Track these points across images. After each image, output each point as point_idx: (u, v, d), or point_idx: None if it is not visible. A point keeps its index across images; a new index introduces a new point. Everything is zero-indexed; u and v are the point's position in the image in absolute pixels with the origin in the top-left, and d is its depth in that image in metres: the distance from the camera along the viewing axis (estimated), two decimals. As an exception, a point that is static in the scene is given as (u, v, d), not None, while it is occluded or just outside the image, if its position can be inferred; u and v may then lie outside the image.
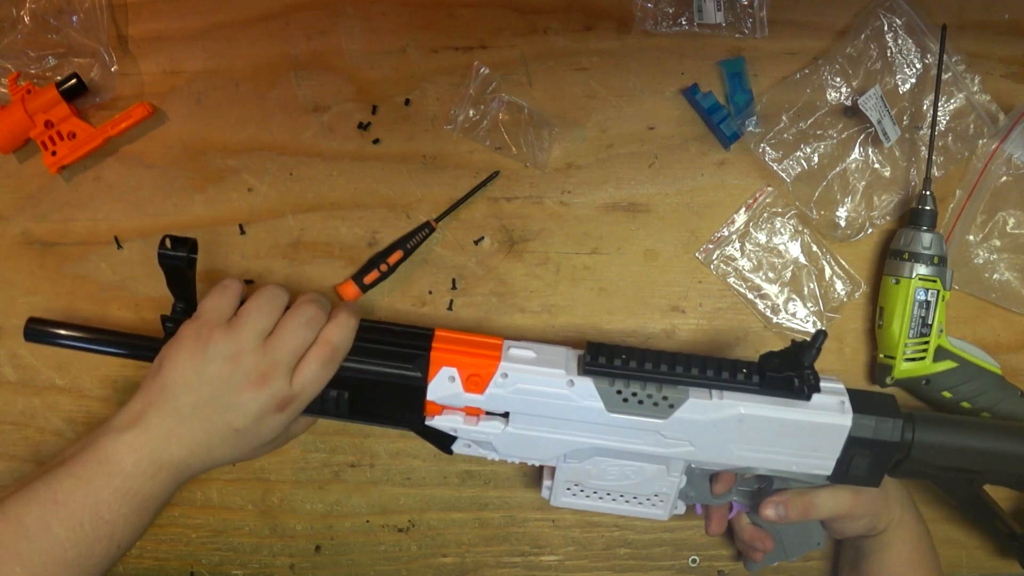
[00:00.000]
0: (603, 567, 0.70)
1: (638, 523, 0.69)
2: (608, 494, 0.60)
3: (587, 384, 0.55)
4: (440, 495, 0.69)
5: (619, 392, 0.54)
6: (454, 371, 0.55)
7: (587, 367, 0.54)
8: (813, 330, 0.67)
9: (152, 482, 0.52)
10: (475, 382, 0.55)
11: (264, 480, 0.69)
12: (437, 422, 0.56)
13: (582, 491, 0.60)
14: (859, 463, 0.56)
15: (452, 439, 0.58)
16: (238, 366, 0.52)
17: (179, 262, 0.53)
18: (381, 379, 0.56)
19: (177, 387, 0.52)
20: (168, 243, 0.53)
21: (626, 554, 0.70)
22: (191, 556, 0.69)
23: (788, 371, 0.54)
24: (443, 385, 0.55)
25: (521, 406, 0.55)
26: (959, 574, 0.69)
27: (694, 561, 0.70)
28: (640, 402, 0.55)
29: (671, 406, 0.55)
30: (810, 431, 0.55)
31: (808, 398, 0.54)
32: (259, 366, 0.52)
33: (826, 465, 0.56)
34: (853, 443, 0.55)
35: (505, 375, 0.55)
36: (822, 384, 0.55)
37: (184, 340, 0.53)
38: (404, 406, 0.56)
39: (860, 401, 0.56)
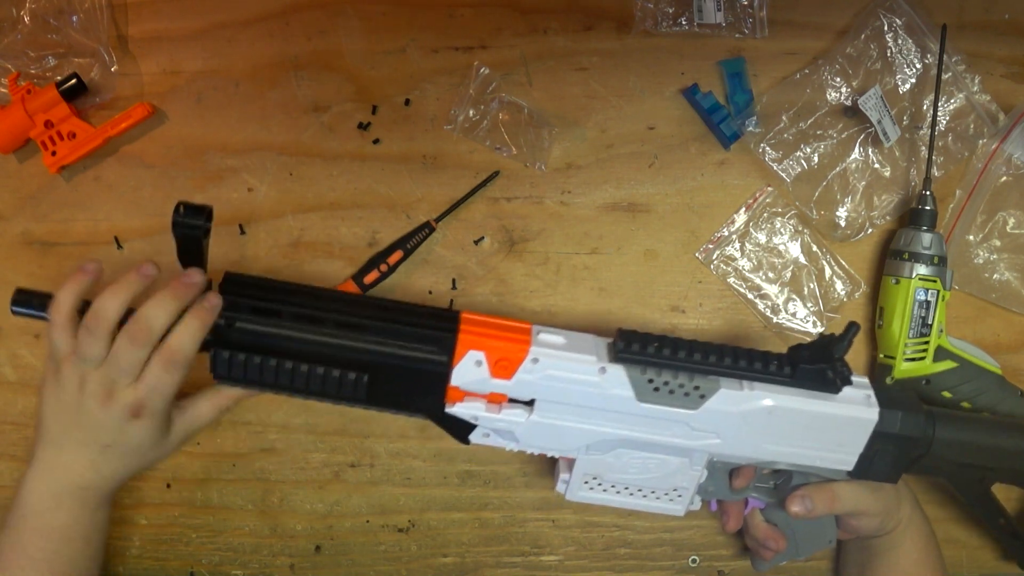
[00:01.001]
0: (603, 567, 0.70)
1: (638, 523, 0.69)
2: (626, 488, 0.58)
3: (619, 372, 0.53)
4: (440, 495, 0.69)
5: (650, 381, 0.53)
6: (481, 355, 0.52)
7: (620, 354, 0.52)
8: (813, 330, 0.67)
9: (58, 514, 0.55)
10: (503, 367, 0.52)
11: (264, 480, 0.69)
12: (458, 409, 0.54)
13: (600, 485, 0.58)
14: (882, 458, 0.56)
15: (470, 428, 0.55)
16: (85, 388, 0.53)
17: (195, 231, 0.51)
18: (403, 363, 0.53)
19: (48, 419, 0.55)
20: (183, 210, 0.51)
21: (626, 554, 0.70)
22: (191, 556, 0.69)
23: (820, 363, 0.53)
24: (469, 370, 0.52)
25: (549, 393, 0.53)
26: (959, 574, 0.69)
27: (694, 561, 0.70)
28: (671, 392, 0.53)
29: (702, 396, 0.53)
30: (837, 424, 0.55)
31: (839, 390, 0.54)
32: (103, 383, 0.53)
33: (849, 460, 0.56)
34: (878, 438, 0.55)
35: (536, 360, 0.52)
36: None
37: (46, 377, 0.56)
38: (426, 391, 0.54)
39: (884, 396, 0.55)
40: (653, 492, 0.58)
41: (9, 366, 0.68)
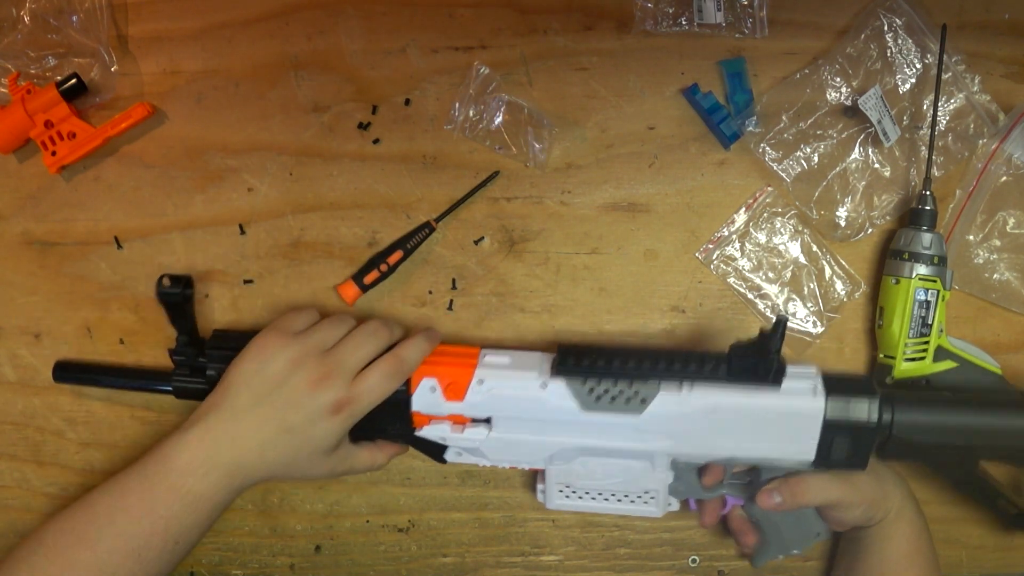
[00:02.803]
0: (603, 567, 0.70)
1: (638, 523, 0.69)
2: (600, 494, 0.61)
3: (559, 385, 0.56)
4: (440, 495, 0.69)
5: (591, 391, 0.56)
6: (434, 381, 0.58)
7: (557, 368, 0.56)
8: (814, 330, 0.67)
9: (204, 481, 0.54)
10: (454, 390, 0.57)
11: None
12: (426, 432, 0.59)
13: (574, 492, 0.61)
14: (840, 447, 0.56)
15: (444, 448, 0.60)
16: (299, 367, 0.55)
17: (177, 299, 0.57)
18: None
19: (238, 385, 0.55)
20: (166, 282, 0.57)
21: (626, 554, 0.70)
22: (191, 556, 0.69)
23: (755, 359, 0.55)
24: (425, 395, 0.57)
25: (501, 410, 0.58)
26: (959, 574, 0.69)
27: (694, 561, 0.70)
28: (613, 399, 0.56)
29: (643, 401, 0.56)
30: (784, 417, 0.55)
31: (777, 384, 0.55)
32: (320, 367, 0.55)
33: (807, 450, 0.56)
34: (830, 427, 0.55)
35: (481, 381, 0.57)
36: (794, 370, 0.56)
37: (252, 345, 0.57)
38: (394, 419, 0.59)
39: (835, 384, 0.56)
40: (626, 496, 0.60)
41: (9, 366, 0.68)
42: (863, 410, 0.55)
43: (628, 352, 0.56)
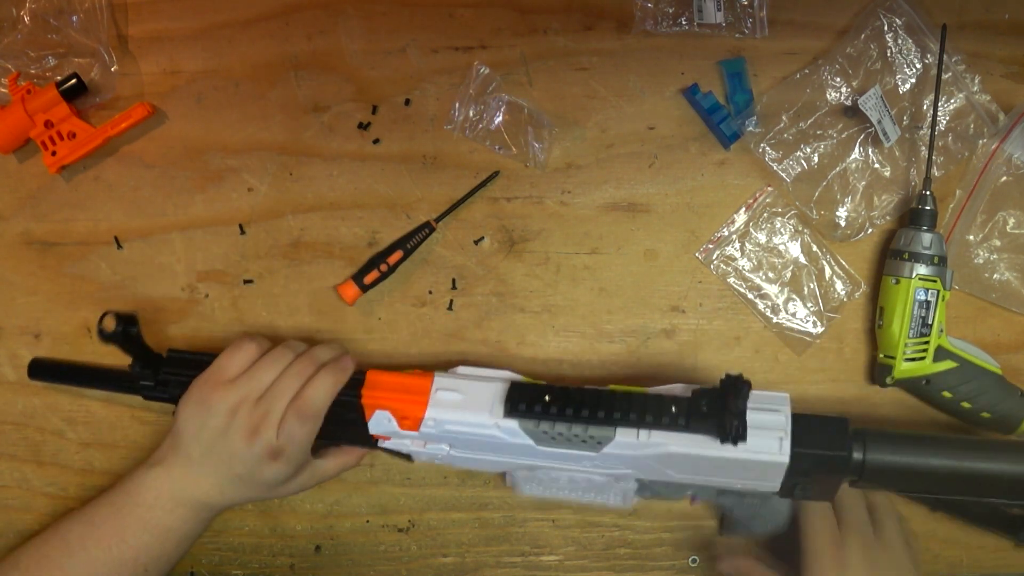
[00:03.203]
0: (603, 567, 0.70)
1: (638, 523, 0.69)
2: (569, 488, 0.60)
3: (512, 425, 0.56)
4: (440, 495, 0.69)
5: (545, 432, 0.55)
6: (387, 414, 0.58)
7: (508, 411, 0.56)
8: (813, 330, 0.67)
9: (171, 516, 0.57)
10: (408, 423, 0.57)
11: (264, 480, 0.69)
12: (390, 444, 0.60)
13: (541, 486, 0.61)
14: (805, 487, 0.56)
15: (409, 454, 0.61)
16: (234, 419, 0.56)
17: (118, 339, 0.57)
18: (331, 419, 0.58)
19: (187, 437, 0.57)
20: (108, 324, 0.56)
21: (626, 554, 0.70)
22: (191, 556, 0.69)
23: (715, 416, 0.53)
24: (381, 423, 0.58)
25: (455, 441, 0.58)
26: (959, 574, 0.69)
27: (694, 561, 0.70)
28: (568, 440, 0.55)
29: (599, 443, 0.55)
30: (744, 466, 0.54)
31: (734, 444, 0.53)
32: (251, 419, 0.56)
33: (772, 485, 0.55)
34: (795, 472, 0.54)
35: (433, 420, 0.57)
36: (760, 417, 0.54)
37: (191, 394, 0.58)
38: (358, 436, 0.60)
39: (800, 434, 0.54)
40: (593, 493, 0.60)
41: (9, 366, 0.68)
42: (832, 462, 0.54)
43: (582, 395, 0.55)
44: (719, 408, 0.53)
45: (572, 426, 0.55)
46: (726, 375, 0.54)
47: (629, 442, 0.55)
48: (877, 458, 0.55)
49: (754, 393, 0.55)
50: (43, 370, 0.66)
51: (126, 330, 0.57)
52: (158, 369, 0.61)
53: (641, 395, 0.55)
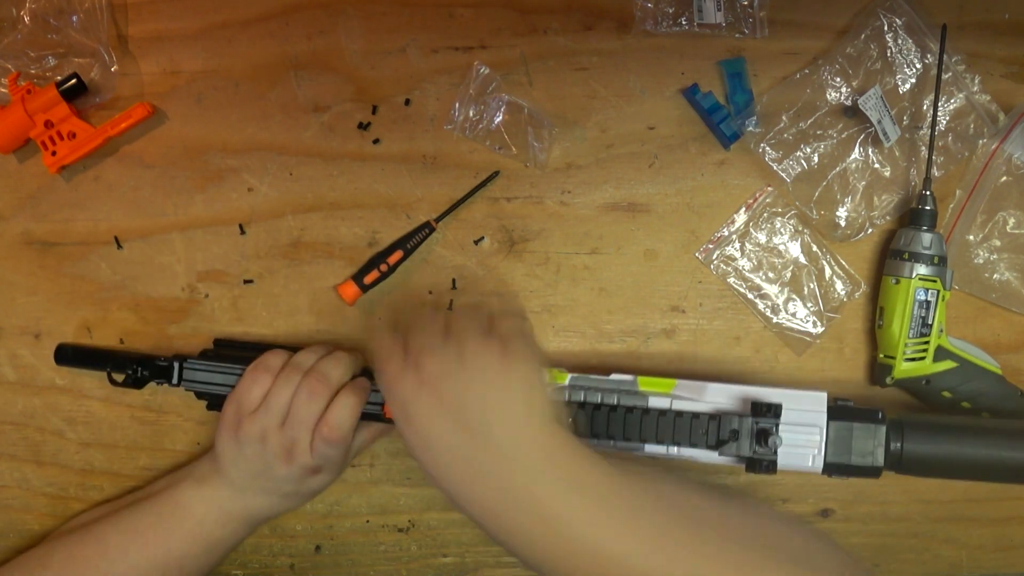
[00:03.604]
0: (603, 567, 0.70)
1: (638, 523, 0.69)
2: None
3: None
4: (440, 495, 0.68)
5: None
6: None
7: None
8: (813, 330, 0.67)
9: (223, 529, 0.60)
10: None
11: (264, 480, 0.69)
12: None
13: None
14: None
15: None
16: (267, 446, 0.57)
17: (127, 385, 0.63)
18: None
19: (227, 463, 0.59)
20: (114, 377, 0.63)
21: (626, 554, 0.70)
22: (191, 556, 0.70)
23: (745, 439, 0.55)
24: None
25: None
26: (959, 574, 0.69)
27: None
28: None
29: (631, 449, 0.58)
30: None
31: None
32: (283, 444, 0.57)
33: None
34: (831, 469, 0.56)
35: None
36: (797, 435, 0.55)
37: (224, 424, 0.59)
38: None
39: (839, 436, 0.55)
40: None
41: (9, 366, 0.68)
42: (866, 462, 0.55)
43: (611, 415, 0.57)
44: (750, 431, 0.55)
45: (599, 442, 0.57)
46: (753, 404, 0.55)
47: (658, 450, 0.57)
48: (914, 449, 0.56)
49: (790, 393, 0.56)
50: (69, 356, 0.66)
51: (137, 378, 0.63)
52: (178, 372, 0.63)
53: (672, 414, 0.56)
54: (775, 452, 0.54)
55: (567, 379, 0.58)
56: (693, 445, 0.56)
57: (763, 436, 0.54)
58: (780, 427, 0.54)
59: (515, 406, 0.46)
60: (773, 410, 0.54)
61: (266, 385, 0.58)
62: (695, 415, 0.56)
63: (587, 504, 0.44)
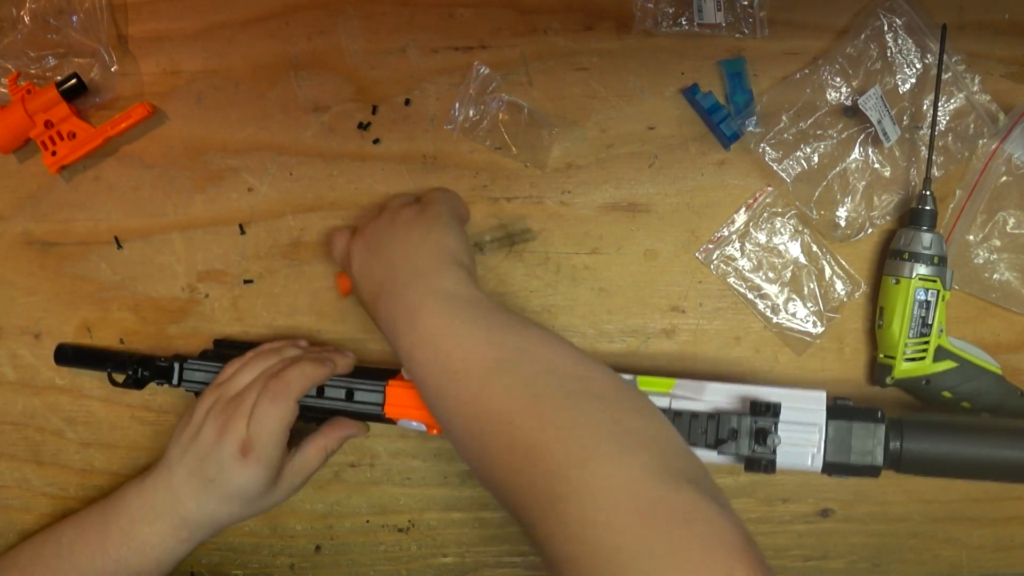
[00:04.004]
0: (603, 567, 0.70)
1: (638, 523, 0.69)
2: None
3: None
4: (440, 495, 0.69)
5: None
6: (423, 426, 0.59)
7: None
8: (813, 330, 0.66)
9: (150, 529, 0.57)
10: (439, 428, 0.57)
11: (264, 480, 0.69)
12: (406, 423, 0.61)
13: None
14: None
15: None
16: (209, 418, 0.56)
17: (127, 386, 0.64)
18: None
19: (173, 440, 0.58)
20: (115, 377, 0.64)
21: (626, 554, 0.70)
22: (191, 556, 0.69)
23: (744, 438, 0.55)
24: (410, 424, 0.60)
25: None
26: (959, 574, 0.69)
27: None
28: None
29: None
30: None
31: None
32: (223, 413, 0.55)
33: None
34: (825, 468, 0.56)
35: None
36: (796, 434, 0.55)
37: (197, 402, 0.58)
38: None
39: (839, 435, 0.55)
40: None
41: (9, 366, 0.68)
42: (865, 462, 0.55)
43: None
44: (748, 430, 0.55)
45: None
46: (752, 403, 0.55)
47: None
48: (913, 448, 0.55)
49: (789, 392, 0.56)
50: (69, 356, 0.66)
51: (138, 378, 0.63)
52: (178, 372, 0.63)
53: (671, 416, 0.56)
54: (774, 451, 0.54)
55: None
56: (692, 444, 0.56)
57: (762, 435, 0.54)
58: (779, 426, 0.54)
59: (417, 246, 0.54)
60: (772, 409, 0.54)
61: (254, 372, 0.58)
62: (694, 414, 0.56)
63: (441, 307, 0.50)
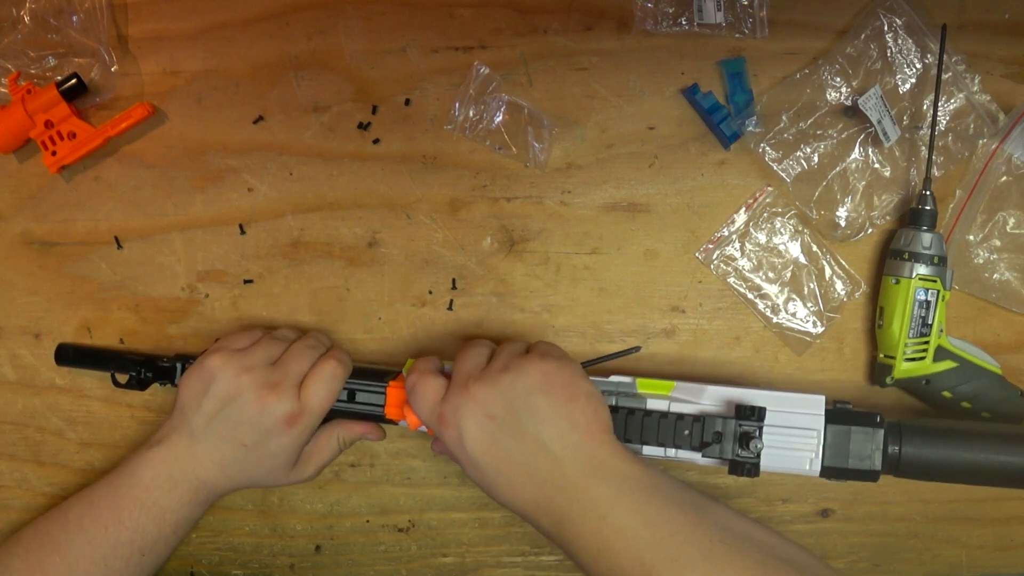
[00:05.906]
0: (603, 567, 0.70)
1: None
2: None
3: None
4: (440, 495, 0.69)
5: None
6: (423, 428, 0.58)
7: None
8: (813, 330, 0.66)
9: (168, 496, 0.56)
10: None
11: (264, 480, 0.69)
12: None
13: None
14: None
15: None
16: (245, 382, 0.55)
17: (130, 387, 0.64)
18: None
19: (189, 407, 0.56)
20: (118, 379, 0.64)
21: (626, 554, 0.70)
22: (191, 556, 0.70)
23: (730, 442, 0.56)
24: (412, 420, 0.59)
25: None
26: (959, 574, 0.69)
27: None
28: None
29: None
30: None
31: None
32: (267, 379, 0.55)
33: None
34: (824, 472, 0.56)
35: None
36: (794, 438, 0.55)
37: (196, 364, 0.57)
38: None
39: (837, 440, 0.55)
40: None
41: (9, 366, 0.68)
42: (864, 466, 0.55)
43: (611, 411, 0.56)
44: (733, 433, 0.55)
45: None
46: (737, 407, 0.55)
47: (655, 452, 0.57)
48: (912, 453, 0.56)
49: (788, 396, 0.56)
50: (69, 356, 0.66)
51: (140, 379, 0.63)
52: (180, 373, 0.63)
53: (673, 417, 0.56)
54: (757, 456, 0.54)
55: None
56: (677, 447, 0.56)
57: (746, 439, 0.54)
58: (777, 430, 0.55)
59: (572, 425, 0.51)
60: (756, 413, 0.54)
61: (257, 336, 0.59)
62: (679, 416, 0.56)
63: (634, 502, 0.49)
